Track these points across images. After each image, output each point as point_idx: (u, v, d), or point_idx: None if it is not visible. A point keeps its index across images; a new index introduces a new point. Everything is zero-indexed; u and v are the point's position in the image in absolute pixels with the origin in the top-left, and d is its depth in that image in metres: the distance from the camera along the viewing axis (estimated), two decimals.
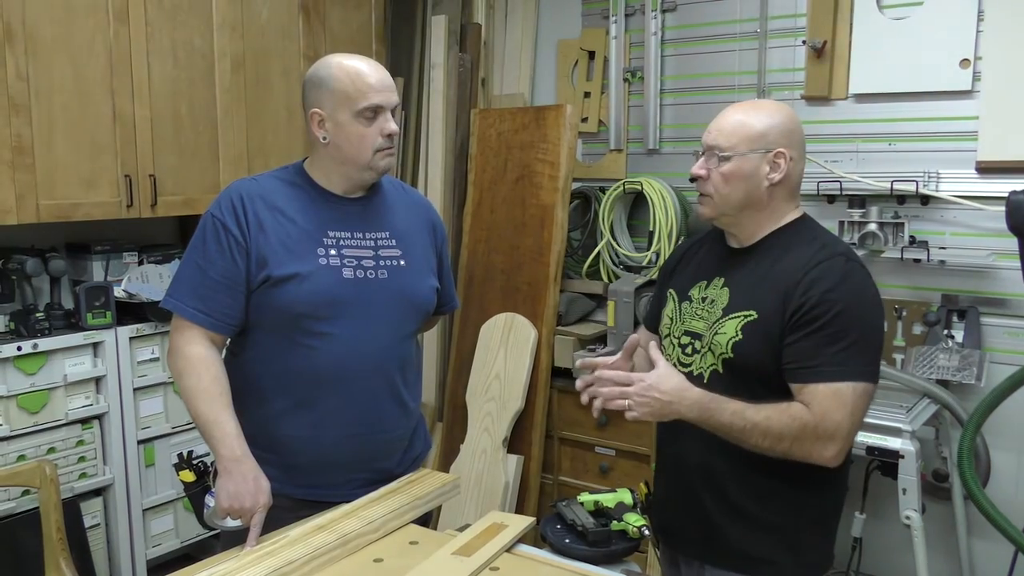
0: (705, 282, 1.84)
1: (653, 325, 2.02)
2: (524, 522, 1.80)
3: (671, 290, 1.92)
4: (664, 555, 1.97)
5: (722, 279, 1.80)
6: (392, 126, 1.86)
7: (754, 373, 1.69)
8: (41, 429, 2.77)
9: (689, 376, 1.74)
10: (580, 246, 3.78)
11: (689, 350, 1.81)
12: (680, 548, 1.90)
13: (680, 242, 2.22)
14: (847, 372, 1.63)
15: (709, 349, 1.75)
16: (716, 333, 1.74)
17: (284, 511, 1.81)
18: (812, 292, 1.64)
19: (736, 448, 1.69)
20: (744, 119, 1.74)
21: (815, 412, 1.61)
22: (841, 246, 1.77)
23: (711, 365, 1.75)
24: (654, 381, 1.64)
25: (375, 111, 1.85)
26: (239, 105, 3.23)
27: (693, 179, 1.80)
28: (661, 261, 3.41)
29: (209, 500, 1.78)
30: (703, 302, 1.82)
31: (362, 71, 1.85)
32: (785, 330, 1.66)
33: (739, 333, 1.71)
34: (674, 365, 1.78)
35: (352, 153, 1.87)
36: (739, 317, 1.72)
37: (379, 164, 1.89)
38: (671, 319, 1.88)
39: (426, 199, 2.22)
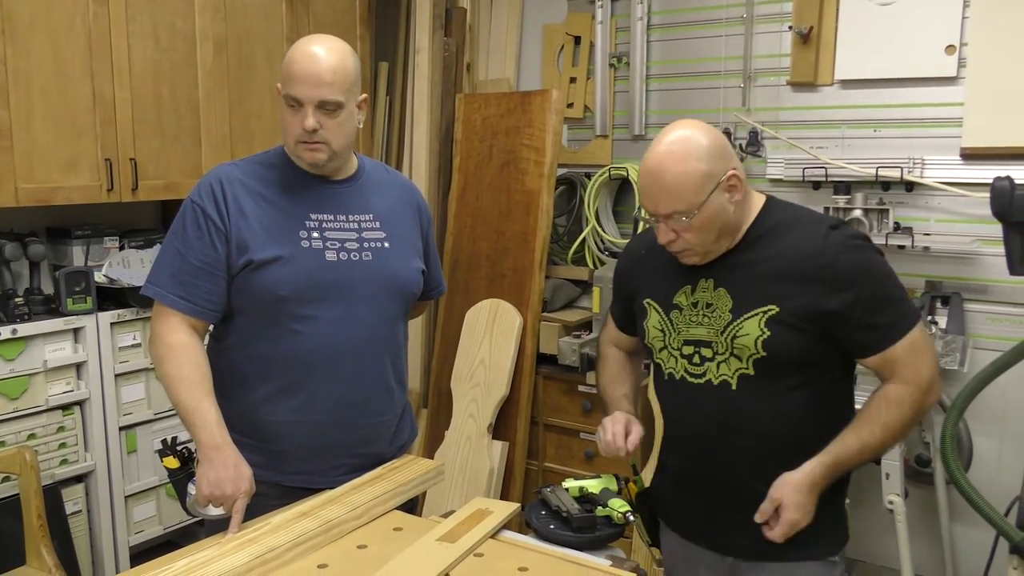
0: (689, 287, 1.76)
1: (629, 328, 1.98)
2: (509, 508, 1.79)
3: (649, 300, 1.84)
4: (668, 547, 1.91)
5: (710, 280, 1.73)
6: (308, 123, 1.78)
7: (791, 364, 1.65)
8: (21, 415, 2.74)
9: (708, 385, 1.71)
10: (565, 232, 3.78)
11: (697, 359, 1.74)
12: (694, 539, 1.83)
13: (631, 240, 2.10)
14: (909, 321, 1.65)
15: (732, 354, 1.68)
16: (735, 336, 1.67)
17: (270, 499, 1.80)
18: (840, 268, 1.62)
19: (755, 435, 1.68)
20: (681, 170, 1.62)
21: (907, 377, 1.64)
22: (825, 217, 1.76)
23: (738, 370, 1.68)
24: (790, 514, 1.64)
25: (296, 102, 1.79)
26: (222, 88, 3.19)
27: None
28: None
29: (191, 488, 1.77)
30: (695, 307, 1.74)
31: (298, 58, 1.79)
32: (836, 318, 1.62)
33: (764, 330, 1.64)
34: (681, 377, 1.75)
35: (283, 136, 1.85)
36: (758, 315, 1.66)
37: (301, 155, 1.84)
38: (662, 331, 1.80)
39: (410, 181, 2.20)
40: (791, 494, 1.63)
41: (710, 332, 1.71)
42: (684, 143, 1.64)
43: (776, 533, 1.65)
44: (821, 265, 1.63)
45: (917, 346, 1.65)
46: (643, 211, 1.73)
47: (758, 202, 1.76)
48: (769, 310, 1.65)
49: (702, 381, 1.73)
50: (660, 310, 1.81)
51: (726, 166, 1.65)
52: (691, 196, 1.62)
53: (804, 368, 1.66)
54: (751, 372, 1.67)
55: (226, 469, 1.72)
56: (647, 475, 1.97)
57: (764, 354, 1.65)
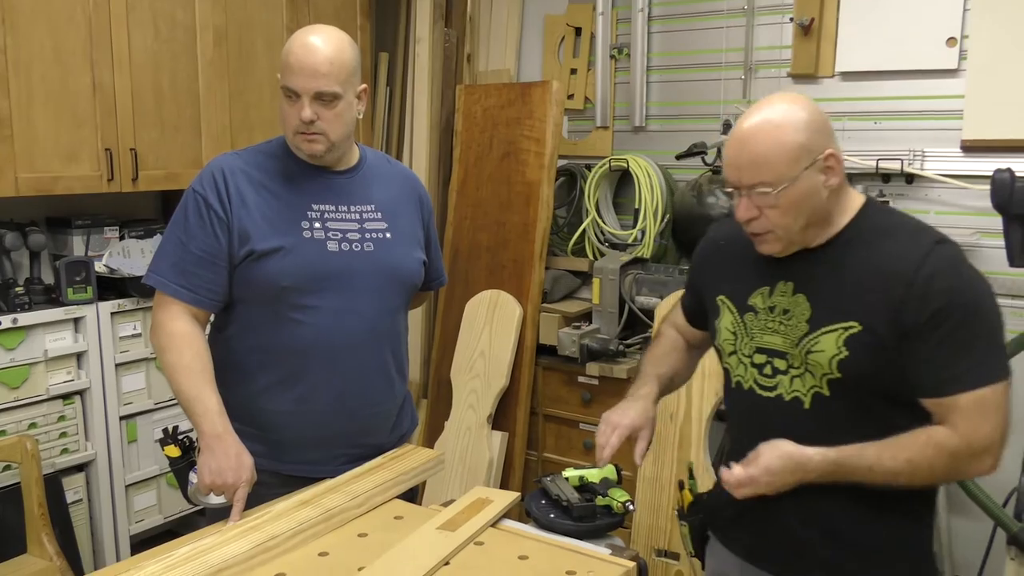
0: (767, 288, 1.60)
1: (698, 322, 1.85)
2: (509, 497, 1.80)
3: (723, 298, 1.69)
4: (718, 567, 1.79)
5: (790, 284, 1.57)
6: (304, 114, 1.78)
7: (868, 389, 1.49)
8: (22, 404, 2.75)
9: (779, 400, 1.57)
10: (565, 223, 3.78)
11: (768, 370, 1.59)
12: (755, 560, 1.68)
13: (709, 229, 1.90)
14: (987, 375, 1.43)
15: (807, 370, 1.53)
16: (809, 351, 1.51)
17: (270, 488, 1.81)
18: (932, 294, 1.43)
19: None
20: (776, 138, 1.47)
21: (961, 431, 1.42)
22: (930, 230, 1.54)
23: (812, 387, 1.53)
24: (752, 468, 1.49)
25: (293, 93, 1.79)
26: (222, 79, 3.18)
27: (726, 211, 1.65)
28: (647, 239, 3.41)
29: (192, 476, 1.77)
30: (772, 312, 1.59)
31: (295, 48, 1.79)
32: (907, 341, 1.44)
33: (842, 349, 1.48)
34: (750, 388, 1.62)
35: (282, 126, 1.85)
36: (837, 330, 1.49)
37: (300, 146, 1.84)
38: (734, 334, 1.65)
39: (412, 172, 2.20)
40: (770, 454, 1.49)
41: (786, 342, 1.56)
42: (783, 112, 1.49)
43: (727, 475, 1.51)
44: (914, 280, 1.44)
45: (985, 406, 1.42)
46: (724, 186, 1.58)
47: (856, 202, 1.58)
48: (850, 327, 1.48)
49: (772, 395, 1.58)
50: (734, 310, 1.66)
51: (825, 144, 1.49)
52: (783, 168, 1.46)
53: (883, 395, 1.50)
54: (826, 392, 1.52)
55: (227, 458, 1.72)
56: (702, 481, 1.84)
57: (839, 375, 1.49)
